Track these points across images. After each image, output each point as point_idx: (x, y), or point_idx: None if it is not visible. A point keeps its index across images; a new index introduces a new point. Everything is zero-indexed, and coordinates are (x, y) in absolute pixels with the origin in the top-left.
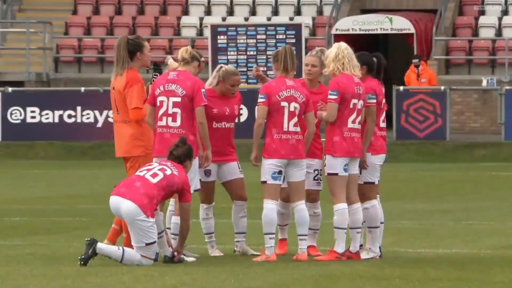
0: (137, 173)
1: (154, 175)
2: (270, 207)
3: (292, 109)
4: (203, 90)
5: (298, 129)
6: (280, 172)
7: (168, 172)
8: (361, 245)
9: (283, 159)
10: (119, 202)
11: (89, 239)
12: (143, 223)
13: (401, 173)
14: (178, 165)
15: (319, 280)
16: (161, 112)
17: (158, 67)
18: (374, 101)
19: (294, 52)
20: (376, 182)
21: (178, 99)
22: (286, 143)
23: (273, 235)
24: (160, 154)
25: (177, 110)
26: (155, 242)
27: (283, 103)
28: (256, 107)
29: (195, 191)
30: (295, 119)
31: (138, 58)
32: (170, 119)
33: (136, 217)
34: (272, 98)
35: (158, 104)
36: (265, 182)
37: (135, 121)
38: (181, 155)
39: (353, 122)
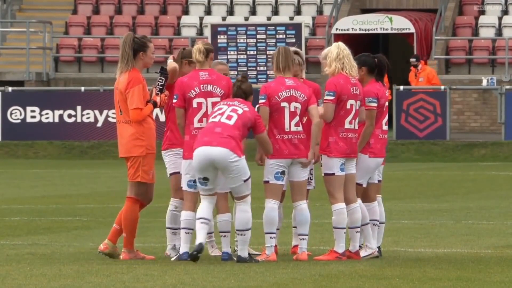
0: (211, 119)
1: (229, 117)
2: (271, 207)
3: (292, 109)
4: None
5: (300, 128)
6: (283, 173)
7: (240, 111)
8: (360, 245)
9: (287, 159)
10: (208, 150)
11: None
12: (237, 163)
13: (401, 172)
14: (244, 102)
15: (319, 280)
16: (200, 114)
17: (164, 71)
18: (375, 104)
19: (289, 51)
20: (364, 185)
21: (218, 99)
22: (289, 143)
23: (274, 235)
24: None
25: None
26: (250, 177)
27: (283, 104)
28: (258, 107)
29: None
30: (297, 119)
31: (140, 57)
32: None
33: (230, 159)
34: (272, 99)
35: (195, 106)
36: (267, 182)
37: (137, 121)
38: (247, 89)
39: (350, 122)
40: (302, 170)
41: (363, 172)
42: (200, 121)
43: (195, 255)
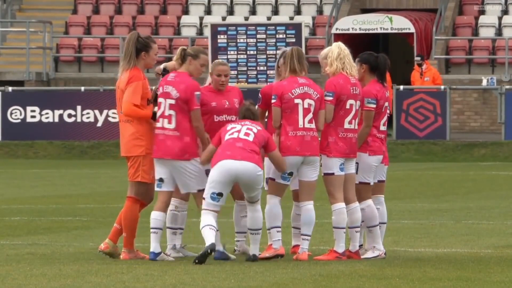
0: (228, 136)
1: (247, 134)
2: (274, 202)
3: (306, 105)
4: (196, 93)
5: (313, 125)
6: (290, 174)
7: (255, 130)
8: (360, 245)
9: (298, 156)
10: (234, 164)
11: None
12: (261, 175)
13: (401, 172)
14: (255, 122)
15: (319, 280)
16: (159, 113)
17: (166, 72)
18: (373, 106)
19: (302, 52)
20: (371, 183)
21: (173, 102)
22: (301, 140)
23: (279, 228)
24: (156, 155)
25: (172, 112)
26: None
27: (297, 100)
28: (272, 108)
29: (199, 190)
30: (310, 116)
31: (142, 57)
32: (166, 121)
33: (258, 173)
34: (285, 96)
35: (158, 105)
36: (273, 179)
37: (137, 120)
38: (256, 112)
39: (350, 122)
40: (312, 170)
41: (366, 170)
42: (157, 120)
43: (209, 253)
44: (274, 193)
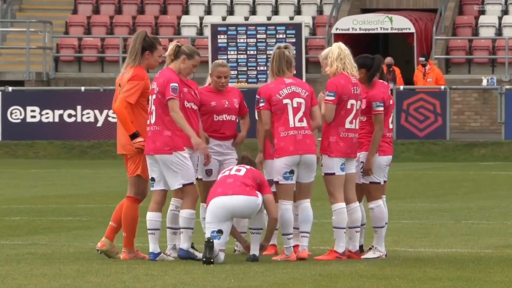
0: (220, 176)
1: (238, 170)
2: (286, 208)
3: (295, 105)
4: (172, 84)
5: (304, 123)
6: (291, 172)
7: (248, 167)
8: (361, 245)
9: (293, 156)
10: (226, 200)
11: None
12: (259, 204)
13: (401, 172)
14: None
15: (319, 280)
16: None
17: None
18: (382, 109)
19: (283, 54)
20: (382, 183)
21: (154, 96)
22: (294, 139)
23: (291, 235)
24: (145, 152)
25: (154, 107)
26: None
27: (285, 101)
28: (261, 111)
29: (185, 185)
30: (300, 114)
31: (146, 57)
32: (151, 117)
33: (255, 202)
34: (273, 98)
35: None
36: (277, 182)
37: (115, 111)
38: (252, 159)
39: (351, 122)
40: (310, 172)
41: (376, 170)
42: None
43: (210, 242)
44: (284, 198)
